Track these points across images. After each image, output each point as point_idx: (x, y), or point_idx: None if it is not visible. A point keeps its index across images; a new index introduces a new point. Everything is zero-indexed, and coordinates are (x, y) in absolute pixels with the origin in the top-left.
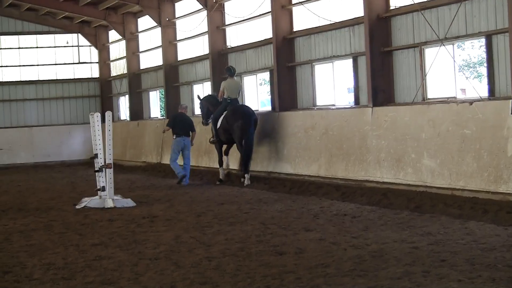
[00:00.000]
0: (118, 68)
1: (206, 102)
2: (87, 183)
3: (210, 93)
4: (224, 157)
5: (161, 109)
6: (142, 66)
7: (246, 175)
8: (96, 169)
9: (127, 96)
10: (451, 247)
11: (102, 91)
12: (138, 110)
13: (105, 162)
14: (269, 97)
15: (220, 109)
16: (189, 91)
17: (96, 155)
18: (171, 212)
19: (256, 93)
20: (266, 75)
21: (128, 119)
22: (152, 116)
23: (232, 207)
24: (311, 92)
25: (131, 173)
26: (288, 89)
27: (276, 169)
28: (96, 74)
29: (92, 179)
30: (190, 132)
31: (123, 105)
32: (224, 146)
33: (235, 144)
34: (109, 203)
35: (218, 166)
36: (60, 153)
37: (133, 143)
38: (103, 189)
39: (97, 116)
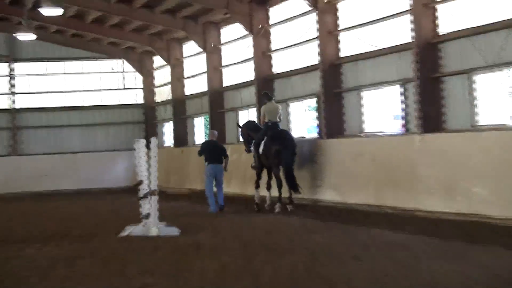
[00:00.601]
0: (163, 94)
1: (245, 128)
2: (131, 211)
3: (249, 119)
4: (266, 192)
5: (205, 135)
6: (187, 92)
7: (277, 204)
8: (140, 196)
9: (171, 122)
10: (510, 280)
11: (147, 117)
12: (182, 136)
13: (149, 188)
14: (316, 123)
15: (261, 134)
16: (234, 117)
17: (140, 182)
18: (216, 241)
19: (302, 120)
20: (312, 102)
21: (172, 145)
22: (196, 142)
23: (279, 235)
24: (358, 118)
25: (175, 201)
26: (334, 115)
27: (323, 197)
28: (140, 100)
29: (136, 207)
30: (223, 158)
31: (167, 131)
32: (265, 178)
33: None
34: (154, 231)
35: (264, 193)
36: (103, 180)
37: (177, 169)
38: (147, 216)
39: (142, 142)
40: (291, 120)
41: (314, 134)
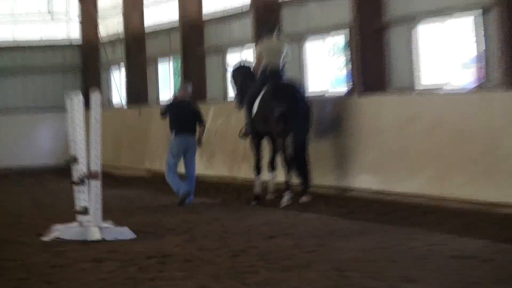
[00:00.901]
0: (110, 27)
1: (239, 74)
2: (60, 201)
3: (244, 63)
4: (268, 174)
5: (175, 89)
6: (148, 25)
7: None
8: (74, 180)
9: (123, 68)
10: None
11: (85, 61)
12: (139, 90)
13: (89, 169)
14: (345, 73)
15: (255, 87)
16: (219, 61)
17: (74, 159)
18: (191, 249)
19: (324, 67)
20: (340, 39)
21: (124, 104)
22: (161, 99)
23: (286, 242)
24: (409, 66)
25: (128, 188)
26: (374, 60)
27: (354, 184)
28: (76, 36)
29: (68, 196)
30: (197, 127)
31: (117, 82)
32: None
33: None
34: (95, 234)
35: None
36: (20, 155)
37: (132, 141)
38: (85, 211)
39: (77, 100)
40: (305, 68)
41: (342, 89)
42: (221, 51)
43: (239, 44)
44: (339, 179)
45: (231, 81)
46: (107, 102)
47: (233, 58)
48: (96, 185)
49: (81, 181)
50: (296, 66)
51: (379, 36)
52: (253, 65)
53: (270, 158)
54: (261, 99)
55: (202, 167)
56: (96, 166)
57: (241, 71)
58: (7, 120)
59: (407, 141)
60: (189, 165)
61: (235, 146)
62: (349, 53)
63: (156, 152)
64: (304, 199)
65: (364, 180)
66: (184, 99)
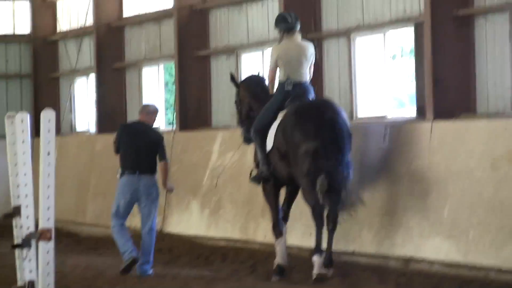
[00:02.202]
0: (74, 15)
1: (245, 88)
2: None
3: (254, 74)
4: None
5: (169, 107)
6: (128, 13)
7: (316, 258)
8: (16, 243)
9: (92, 75)
10: None
11: (37, 64)
12: (116, 109)
13: (36, 227)
14: (411, 87)
15: (269, 108)
16: (228, 65)
17: (16, 210)
18: None
19: (380, 79)
20: (406, 37)
21: (93, 129)
22: None
23: None
24: (508, 79)
25: (96, 254)
26: (456, 74)
27: (422, 253)
28: (24, 28)
29: (6, 265)
30: (157, 162)
31: (83, 95)
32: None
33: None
34: None
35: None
36: None
37: (104, 185)
38: (30, 287)
39: (21, 121)
40: (354, 81)
41: (408, 110)
42: (231, 53)
43: (259, 43)
44: (400, 244)
45: (235, 99)
46: (68, 126)
47: (249, 64)
48: (47, 250)
49: (26, 244)
50: (339, 77)
51: (466, 30)
52: (269, 77)
53: (283, 209)
54: (278, 126)
55: (203, 225)
56: (48, 222)
57: (248, 84)
58: None
59: (503, 189)
60: (144, 219)
61: (251, 195)
62: (419, 57)
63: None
64: (324, 271)
65: (437, 247)
66: (142, 122)
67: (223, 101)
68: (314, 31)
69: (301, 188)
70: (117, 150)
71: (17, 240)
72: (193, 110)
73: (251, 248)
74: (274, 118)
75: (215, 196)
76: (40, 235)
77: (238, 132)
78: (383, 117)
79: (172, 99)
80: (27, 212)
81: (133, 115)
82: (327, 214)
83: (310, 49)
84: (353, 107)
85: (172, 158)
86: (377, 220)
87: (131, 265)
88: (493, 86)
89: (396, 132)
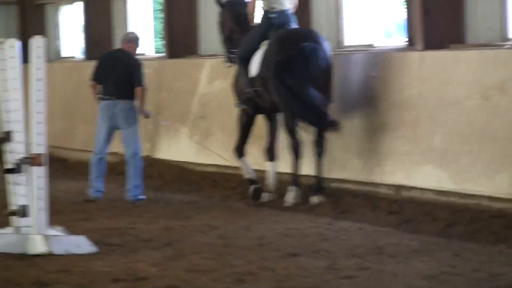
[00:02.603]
0: None
1: (229, 12)
2: None
3: None
4: (267, 164)
5: (158, 33)
6: None
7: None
8: (7, 167)
9: (78, 3)
10: None
11: None
12: (103, 35)
13: (29, 152)
14: (400, 18)
15: (254, 36)
16: None
17: (7, 137)
18: (176, 271)
19: (372, 13)
20: None
21: (80, 56)
22: None
23: (314, 263)
24: (497, 10)
25: (86, 179)
26: (446, 5)
27: (412, 181)
28: None
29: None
30: (134, 88)
31: (69, 23)
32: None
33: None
34: (38, 245)
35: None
36: None
37: (92, 111)
38: (23, 212)
39: (11, 49)
40: (341, 10)
41: (397, 41)
42: None
43: None
44: (391, 172)
45: (218, 19)
46: (54, 52)
47: None
48: (39, 175)
49: (18, 169)
50: (326, 5)
51: None
52: (249, 6)
53: (268, 143)
54: (262, 55)
55: (192, 152)
56: (39, 148)
57: (234, 9)
58: None
59: (495, 118)
60: (126, 144)
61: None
62: None
63: None
64: (316, 200)
65: (428, 175)
66: (122, 50)
67: (211, 29)
68: None
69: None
70: (94, 78)
71: (8, 165)
72: (180, 37)
73: (241, 174)
74: (258, 47)
75: (204, 123)
76: (31, 160)
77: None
78: (370, 46)
79: (160, 27)
80: (18, 137)
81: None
82: (313, 139)
83: None
84: (340, 35)
85: (161, 86)
86: (367, 148)
87: (93, 196)
88: (482, 16)
89: (387, 61)
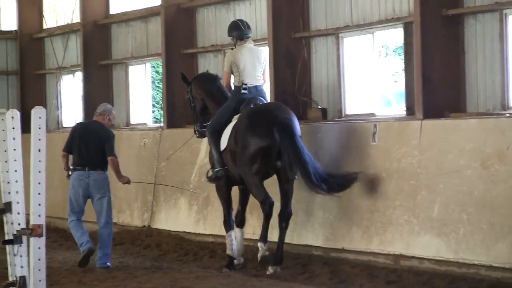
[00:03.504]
0: (60, 12)
1: (200, 88)
2: None
3: (206, 71)
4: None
5: (156, 104)
6: (115, 10)
7: (261, 245)
8: (6, 239)
9: (78, 73)
10: None
11: (23, 61)
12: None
13: (27, 223)
14: (400, 85)
15: (225, 111)
16: (217, 62)
17: (7, 206)
18: None
19: (369, 77)
20: (394, 37)
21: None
22: (132, 121)
23: None
24: (499, 78)
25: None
26: (446, 73)
27: (411, 250)
28: (11, 25)
29: None
30: (107, 159)
31: (70, 93)
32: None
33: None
34: None
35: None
36: None
37: None
38: (21, 283)
39: (11, 118)
40: (342, 78)
41: (397, 108)
42: (218, 51)
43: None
44: (389, 241)
45: (187, 95)
46: (54, 122)
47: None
48: (39, 246)
49: (18, 240)
50: (327, 75)
51: (455, 28)
52: (224, 82)
53: (239, 211)
54: (232, 128)
55: (191, 222)
56: (39, 219)
57: (205, 84)
58: None
59: (494, 187)
60: (98, 214)
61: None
62: (408, 56)
63: (125, 198)
64: (272, 270)
65: (427, 244)
66: (95, 121)
67: None
68: (302, 30)
69: (250, 185)
70: (66, 148)
71: (8, 236)
72: (180, 107)
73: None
74: (229, 121)
75: (203, 193)
76: (31, 231)
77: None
78: (371, 115)
79: (159, 97)
80: (18, 208)
81: (119, 113)
82: (279, 212)
83: (263, 54)
84: (342, 104)
85: (160, 155)
86: (366, 217)
87: (88, 256)
88: (482, 85)
89: (386, 130)
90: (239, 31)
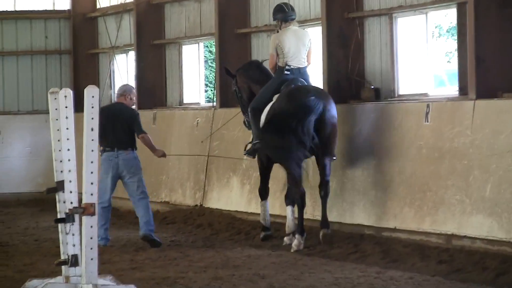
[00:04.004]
0: None
1: (245, 77)
2: (37, 247)
3: (253, 60)
4: (288, 209)
5: (209, 84)
6: None
7: (323, 230)
8: (59, 217)
9: (131, 53)
10: None
11: (76, 41)
12: (156, 86)
13: (79, 201)
14: (452, 67)
15: (267, 90)
16: (267, 43)
17: (59, 187)
18: None
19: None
20: (446, 17)
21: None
22: (185, 100)
23: None
24: None
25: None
26: (499, 54)
27: (463, 230)
28: (63, 4)
29: (48, 239)
30: (135, 138)
31: (123, 72)
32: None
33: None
34: None
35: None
36: None
37: (143, 161)
38: (74, 261)
39: (64, 97)
40: (396, 59)
41: (449, 88)
42: (268, 31)
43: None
44: (441, 221)
45: (233, 87)
46: (108, 102)
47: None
48: (91, 224)
49: (70, 219)
50: (380, 55)
51: (508, 11)
52: (270, 64)
53: (287, 190)
54: (271, 106)
55: (243, 201)
56: (91, 197)
57: (247, 71)
58: None
59: None
60: (131, 192)
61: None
62: (461, 37)
63: (177, 177)
64: (324, 232)
65: (479, 224)
66: (119, 103)
67: None
68: (355, 10)
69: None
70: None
71: (60, 214)
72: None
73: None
74: (270, 100)
75: (256, 172)
76: (83, 210)
77: None
78: (424, 95)
79: (212, 76)
80: (70, 187)
81: (172, 92)
82: (319, 183)
83: (308, 36)
84: (395, 84)
85: (213, 134)
86: (419, 197)
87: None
88: None
89: (439, 110)
90: (283, 13)
